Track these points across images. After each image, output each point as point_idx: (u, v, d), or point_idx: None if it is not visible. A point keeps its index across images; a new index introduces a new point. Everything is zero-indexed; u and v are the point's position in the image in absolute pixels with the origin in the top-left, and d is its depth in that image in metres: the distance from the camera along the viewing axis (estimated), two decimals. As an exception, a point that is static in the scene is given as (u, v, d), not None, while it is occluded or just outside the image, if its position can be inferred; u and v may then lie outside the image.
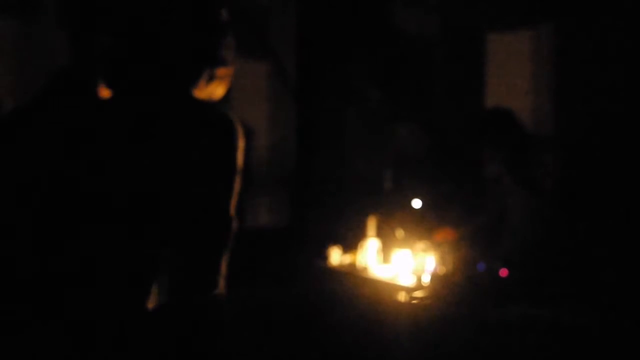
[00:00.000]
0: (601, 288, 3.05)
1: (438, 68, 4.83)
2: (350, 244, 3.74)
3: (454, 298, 3.05)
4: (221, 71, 1.53)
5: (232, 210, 1.39)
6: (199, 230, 1.35)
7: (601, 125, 3.82)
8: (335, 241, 3.79)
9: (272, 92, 4.93)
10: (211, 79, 1.50)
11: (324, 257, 3.73)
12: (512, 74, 4.41)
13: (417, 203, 3.82)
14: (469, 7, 4.60)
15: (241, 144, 1.39)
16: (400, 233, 3.64)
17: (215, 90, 1.55)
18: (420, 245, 3.41)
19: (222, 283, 1.38)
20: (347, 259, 3.71)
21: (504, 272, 3.18)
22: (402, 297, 3.16)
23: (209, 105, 1.44)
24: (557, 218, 3.48)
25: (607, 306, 2.89)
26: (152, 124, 1.37)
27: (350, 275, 3.55)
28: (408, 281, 3.24)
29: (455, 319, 2.95)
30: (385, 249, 3.60)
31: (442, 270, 3.27)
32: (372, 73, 4.77)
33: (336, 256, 3.71)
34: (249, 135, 4.71)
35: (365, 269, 3.57)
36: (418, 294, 3.13)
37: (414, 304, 3.11)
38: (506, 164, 3.46)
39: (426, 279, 3.20)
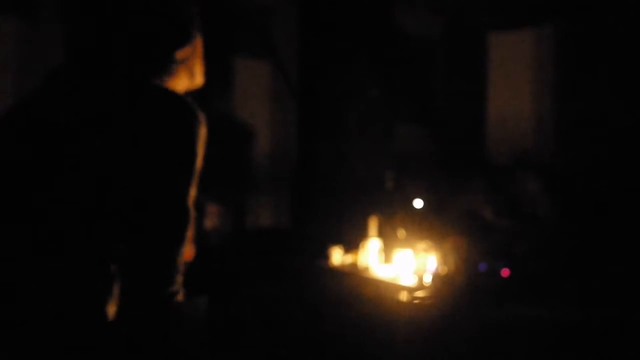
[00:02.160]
0: (602, 288, 3.05)
1: (440, 68, 4.83)
2: (351, 244, 3.74)
3: (456, 298, 3.05)
4: (184, 52, 1.48)
5: (190, 200, 1.32)
6: (152, 221, 1.28)
7: (602, 124, 3.81)
8: (337, 241, 3.78)
9: (274, 92, 4.93)
10: (176, 62, 1.46)
11: (325, 257, 3.73)
12: (514, 74, 4.41)
13: (418, 203, 3.81)
14: (470, 7, 4.59)
15: (201, 133, 1.34)
16: (401, 233, 3.63)
17: (189, 77, 1.51)
18: (422, 245, 3.40)
19: (179, 279, 1.30)
20: (348, 259, 3.71)
21: (505, 272, 3.17)
22: (403, 297, 3.15)
23: (171, 93, 1.38)
24: (559, 219, 3.48)
25: (608, 306, 2.88)
26: (108, 110, 1.32)
27: (352, 275, 3.55)
28: (409, 281, 3.23)
29: (456, 319, 2.95)
30: (387, 249, 3.60)
31: (443, 270, 3.26)
32: (373, 73, 4.76)
33: (337, 256, 3.71)
34: (250, 135, 4.72)
35: (366, 269, 3.56)
36: (419, 294, 3.12)
37: (415, 304, 3.10)
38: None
39: (428, 279, 3.19)
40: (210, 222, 3.81)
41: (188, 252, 1.52)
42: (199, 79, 1.54)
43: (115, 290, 1.27)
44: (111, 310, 1.27)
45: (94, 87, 1.37)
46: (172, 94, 1.37)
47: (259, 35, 4.71)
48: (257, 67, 4.84)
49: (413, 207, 3.83)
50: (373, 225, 3.71)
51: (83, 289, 1.28)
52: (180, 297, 1.32)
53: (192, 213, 1.33)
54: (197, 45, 1.52)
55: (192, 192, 1.33)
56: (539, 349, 2.78)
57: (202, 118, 1.36)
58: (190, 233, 1.48)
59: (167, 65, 1.44)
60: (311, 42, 4.79)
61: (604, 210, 3.59)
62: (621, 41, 3.72)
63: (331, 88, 4.71)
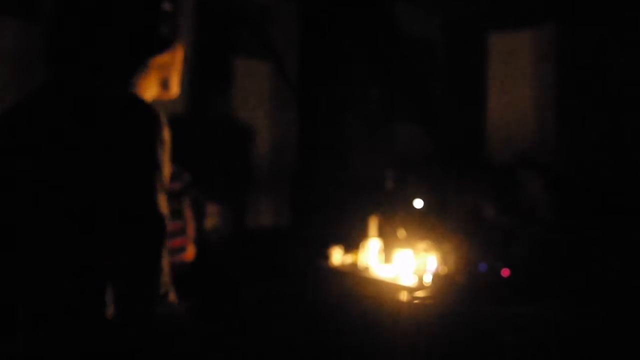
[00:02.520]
0: (602, 288, 3.05)
1: (440, 68, 4.83)
2: (351, 244, 3.74)
3: (456, 298, 3.05)
4: (162, 58, 1.45)
5: (160, 206, 1.28)
6: (124, 229, 1.26)
7: (603, 123, 3.81)
8: (337, 241, 3.78)
9: (274, 92, 4.93)
10: (148, 67, 1.42)
11: (326, 257, 3.73)
12: (514, 73, 4.41)
13: (418, 203, 3.82)
14: (470, 7, 4.59)
15: (165, 137, 1.30)
16: (401, 233, 3.63)
17: (162, 85, 1.47)
18: (422, 245, 3.40)
19: (164, 280, 1.28)
20: (348, 259, 3.71)
21: (505, 272, 3.17)
22: (403, 297, 3.15)
23: (133, 99, 1.34)
24: (559, 218, 3.48)
25: (609, 306, 2.89)
26: (69, 125, 1.30)
27: (352, 275, 3.55)
28: (409, 281, 3.24)
29: (456, 318, 2.95)
30: (387, 249, 3.60)
31: (443, 270, 3.26)
32: (373, 73, 4.76)
33: (337, 256, 3.71)
34: (250, 135, 4.72)
35: (366, 269, 3.56)
36: (419, 294, 3.12)
37: (415, 303, 3.11)
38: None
39: (428, 279, 3.19)
40: (210, 222, 3.81)
41: (189, 252, 1.51)
42: (174, 90, 1.50)
43: (109, 296, 1.27)
44: (108, 315, 1.26)
45: (58, 102, 1.35)
46: (133, 100, 1.33)
47: (258, 36, 4.71)
48: (257, 67, 4.84)
49: (413, 207, 3.83)
50: (373, 225, 3.71)
51: (75, 297, 1.27)
52: (172, 297, 1.31)
53: (165, 217, 1.30)
54: (177, 55, 1.49)
55: (162, 197, 1.29)
56: (539, 348, 2.78)
57: (163, 120, 1.31)
58: (190, 233, 1.48)
59: (140, 69, 1.42)
60: (311, 42, 4.79)
61: (604, 210, 3.59)
62: (621, 41, 3.72)
63: (331, 88, 4.72)
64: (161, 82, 1.48)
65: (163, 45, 1.43)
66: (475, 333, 2.88)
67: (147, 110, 1.30)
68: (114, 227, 1.25)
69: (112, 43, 1.38)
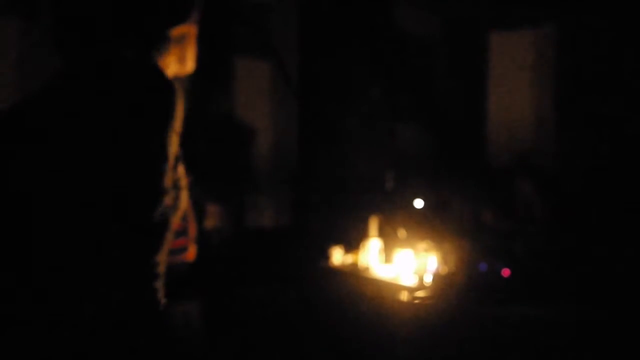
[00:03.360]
0: (603, 288, 3.05)
1: (440, 67, 4.82)
2: (352, 244, 3.74)
3: (456, 298, 3.05)
4: (177, 30, 1.43)
5: (167, 180, 1.28)
6: (127, 199, 1.25)
7: (603, 123, 3.81)
8: (337, 241, 3.78)
9: (274, 91, 4.93)
10: (165, 41, 1.41)
11: (326, 257, 3.72)
12: (514, 73, 4.40)
13: (419, 203, 3.81)
14: (471, 6, 4.59)
15: (179, 105, 1.29)
16: (402, 233, 3.63)
17: (180, 60, 1.46)
18: (422, 245, 3.40)
19: (162, 259, 1.29)
20: (349, 258, 3.71)
21: (505, 272, 3.17)
22: (404, 296, 3.15)
23: (151, 69, 1.33)
24: (555, 220, 3.48)
25: (609, 306, 2.89)
26: (92, 85, 1.30)
27: (353, 275, 3.55)
28: (410, 281, 3.23)
29: (457, 318, 2.95)
30: (387, 248, 3.60)
31: (444, 270, 3.26)
32: (374, 72, 4.76)
33: (338, 256, 3.71)
34: (250, 135, 4.71)
35: (367, 268, 3.56)
36: (420, 293, 3.12)
37: (416, 303, 3.10)
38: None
39: (428, 279, 3.19)
40: (210, 222, 3.81)
41: (190, 252, 1.51)
42: (189, 65, 1.50)
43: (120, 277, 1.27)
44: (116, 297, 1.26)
45: (77, 81, 1.34)
46: (150, 67, 1.33)
47: (259, 35, 4.70)
48: (257, 66, 4.84)
49: (413, 207, 3.83)
50: (373, 225, 3.70)
51: (87, 280, 1.27)
52: (159, 285, 1.30)
53: (170, 193, 1.30)
54: (192, 28, 1.49)
55: (170, 169, 1.28)
56: (538, 348, 2.78)
57: (179, 91, 1.30)
58: (192, 233, 1.47)
59: (160, 42, 1.42)
60: (312, 42, 4.79)
61: (602, 211, 3.59)
62: (622, 41, 3.72)
63: (332, 88, 4.71)
64: (178, 57, 1.48)
65: (181, 15, 1.43)
66: (475, 332, 2.88)
67: (164, 80, 1.30)
68: (118, 196, 1.25)
69: (132, 13, 1.38)
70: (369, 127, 4.75)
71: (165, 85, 1.29)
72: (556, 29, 4.19)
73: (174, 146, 1.29)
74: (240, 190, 4.48)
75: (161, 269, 1.30)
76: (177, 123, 1.29)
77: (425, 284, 3.17)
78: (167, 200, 1.30)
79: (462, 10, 4.65)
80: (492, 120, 4.60)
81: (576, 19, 3.99)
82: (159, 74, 1.31)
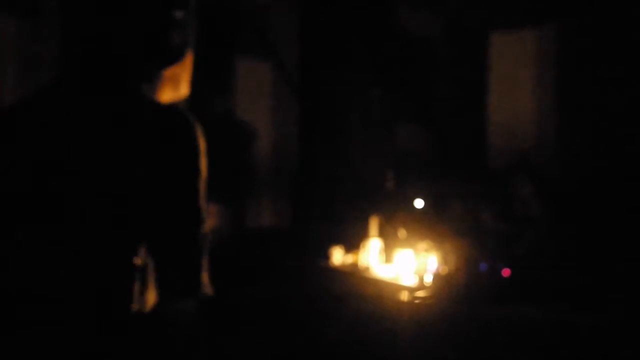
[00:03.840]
0: (603, 287, 3.05)
1: (441, 68, 4.82)
2: (352, 244, 3.74)
3: (456, 298, 3.05)
4: (173, 69, 1.45)
5: (204, 211, 1.35)
6: (174, 234, 1.31)
7: (604, 124, 3.81)
8: (338, 241, 3.78)
9: (274, 92, 4.93)
10: (162, 78, 1.43)
11: (326, 257, 3.72)
12: (515, 74, 4.40)
13: (419, 203, 3.81)
14: (472, 6, 4.59)
15: (202, 145, 1.33)
16: (402, 233, 3.63)
17: (174, 88, 1.50)
18: (423, 245, 3.40)
19: (206, 281, 1.33)
20: (349, 258, 3.71)
21: (506, 272, 3.17)
22: (404, 297, 3.15)
23: (168, 108, 1.37)
24: (553, 222, 3.48)
25: (609, 306, 2.88)
26: (112, 127, 1.31)
27: (353, 275, 3.55)
28: (410, 281, 3.23)
29: (457, 318, 2.95)
30: (388, 249, 3.60)
31: (444, 270, 3.26)
32: (374, 73, 4.76)
33: (338, 256, 3.71)
34: (250, 136, 4.72)
35: (367, 268, 3.56)
36: (420, 293, 3.12)
37: (416, 303, 3.10)
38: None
39: (428, 279, 3.19)
40: (210, 222, 3.81)
41: None
42: (183, 90, 1.52)
43: (143, 291, 1.29)
44: (138, 308, 1.28)
45: (95, 101, 1.35)
46: (173, 109, 1.36)
47: (259, 35, 4.70)
48: (258, 67, 4.84)
49: (414, 207, 3.83)
50: (374, 225, 3.70)
51: (108, 291, 1.29)
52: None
53: (208, 224, 1.36)
54: (187, 62, 1.50)
55: (203, 203, 1.35)
56: (538, 348, 2.78)
57: (200, 131, 1.34)
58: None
59: (155, 80, 1.43)
60: (312, 42, 4.79)
61: (601, 211, 3.59)
62: (623, 41, 3.72)
63: (332, 88, 4.71)
64: (173, 87, 1.49)
65: (175, 55, 1.44)
66: (475, 332, 2.88)
67: (188, 121, 1.32)
68: (159, 229, 1.29)
69: (125, 52, 1.39)
70: (369, 127, 4.75)
71: (191, 127, 1.33)
72: (556, 29, 4.19)
73: (204, 177, 1.35)
74: (240, 191, 4.48)
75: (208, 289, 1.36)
76: (204, 160, 1.34)
77: (426, 284, 3.17)
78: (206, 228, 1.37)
79: (463, 10, 4.65)
80: (493, 120, 4.59)
81: (576, 19, 3.99)
82: (183, 116, 1.34)
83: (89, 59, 1.38)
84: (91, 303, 1.28)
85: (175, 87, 1.49)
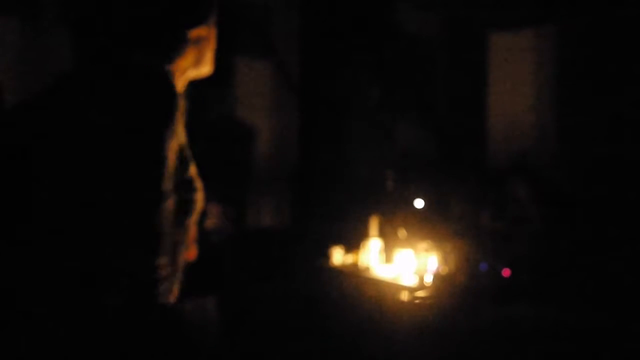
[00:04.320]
0: (604, 288, 3.05)
1: (440, 67, 4.82)
2: (352, 244, 3.74)
3: (456, 298, 3.05)
4: (194, 32, 1.39)
5: (166, 184, 1.25)
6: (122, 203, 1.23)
7: (604, 124, 3.81)
8: (338, 241, 3.78)
9: (275, 92, 4.93)
10: (184, 43, 1.37)
11: (326, 256, 3.72)
12: (515, 74, 4.40)
13: (419, 203, 3.81)
14: (471, 6, 4.59)
15: (178, 111, 1.26)
16: (402, 233, 3.63)
17: (196, 62, 1.46)
18: (423, 245, 3.40)
19: (162, 261, 1.26)
20: (349, 258, 3.71)
21: (506, 272, 3.17)
22: (404, 296, 3.15)
23: (152, 71, 1.30)
24: (562, 220, 3.48)
25: (609, 306, 2.89)
26: (97, 90, 1.27)
27: (353, 275, 3.55)
28: (410, 281, 3.23)
29: (457, 318, 2.95)
30: (388, 248, 3.60)
31: (444, 270, 3.26)
32: (374, 73, 4.76)
33: (338, 256, 3.71)
34: (250, 135, 4.72)
35: (367, 268, 3.56)
36: (420, 293, 3.12)
37: (416, 303, 3.10)
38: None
39: (428, 279, 3.19)
40: (210, 222, 3.81)
41: (191, 252, 1.51)
42: (207, 68, 1.47)
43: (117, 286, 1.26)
44: (113, 304, 1.26)
45: (88, 81, 1.33)
46: (152, 70, 1.30)
47: (259, 35, 4.70)
48: (258, 67, 4.84)
49: (414, 207, 3.83)
50: (374, 225, 3.70)
51: (82, 287, 1.27)
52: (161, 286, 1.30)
53: (170, 196, 1.27)
54: (212, 31, 1.46)
55: (168, 173, 1.26)
56: (539, 348, 2.78)
57: (178, 93, 1.27)
58: (193, 233, 1.47)
59: (176, 44, 1.39)
60: (312, 43, 4.79)
61: (601, 212, 3.59)
62: (623, 42, 3.72)
63: (332, 88, 4.71)
64: (195, 59, 1.45)
65: (201, 17, 1.41)
66: (475, 332, 2.88)
67: (164, 86, 1.27)
68: (116, 212, 1.23)
69: (150, 14, 1.36)
70: (369, 127, 4.74)
71: (164, 89, 1.26)
72: (556, 29, 4.19)
73: (172, 151, 1.28)
74: (240, 190, 4.48)
75: (164, 271, 1.30)
76: (178, 128, 1.28)
77: (426, 284, 3.17)
78: (169, 204, 1.29)
79: (463, 10, 4.65)
80: (492, 120, 4.59)
81: (576, 19, 3.99)
82: (160, 77, 1.29)
83: (102, 39, 1.35)
84: (91, 301, 1.27)
85: (198, 63, 1.45)
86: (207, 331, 1.34)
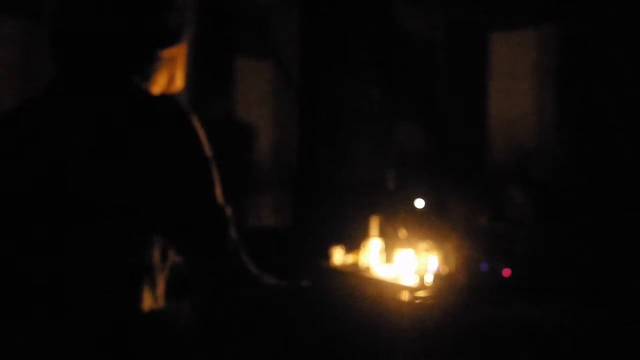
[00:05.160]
0: (604, 288, 3.05)
1: (440, 67, 4.82)
2: (352, 244, 3.73)
3: (457, 298, 3.05)
4: (169, 51, 1.47)
5: (220, 198, 1.38)
6: (194, 227, 1.34)
7: (604, 124, 3.81)
8: (338, 241, 3.78)
9: (275, 91, 4.92)
10: (159, 61, 1.44)
11: (327, 256, 3.72)
12: (516, 73, 4.40)
13: (420, 203, 3.81)
14: (472, 6, 4.59)
15: (200, 132, 1.36)
16: (402, 233, 3.63)
17: (168, 79, 1.50)
18: (423, 245, 3.40)
19: (252, 270, 1.41)
20: (349, 258, 3.70)
21: (506, 272, 3.17)
22: (404, 297, 3.15)
23: (162, 99, 1.39)
24: (561, 220, 3.48)
25: (609, 306, 2.88)
26: (111, 124, 1.32)
27: (353, 275, 3.54)
28: (411, 281, 3.23)
29: (458, 318, 2.95)
30: (388, 248, 3.60)
31: (444, 270, 3.26)
32: (374, 73, 4.75)
33: (339, 256, 3.70)
34: (251, 135, 4.71)
35: (367, 268, 3.56)
36: (421, 293, 3.12)
37: (416, 303, 3.10)
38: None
39: (429, 279, 3.19)
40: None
41: None
42: (178, 83, 1.53)
43: (151, 287, 1.30)
44: (146, 304, 1.28)
45: (90, 101, 1.35)
46: (167, 100, 1.37)
47: (259, 35, 4.70)
48: (258, 66, 4.83)
49: (414, 207, 3.83)
50: (374, 225, 3.70)
51: (116, 290, 1.29)
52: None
53: (229, 209, 1.44)
54: (183, 49, 1.51)
55: (218, 190, 1.37)
56: (539, 348, 2.78)
57: (196, 119, 1.37)
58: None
59: (150, 64, 1.44)
60: (312, 42, 4.78)
61: (601, 212, 3.59)
62: (623, 42, 3.72)
63: (332, 88, 4.71)
64: (167, 76, 1.50)
65: (173, 38, 1.46)
66: (475, 332, 2.88)
67: (183, 111, 1.35)
68: (177, 222, 1.33)
69: (125, 35, 1.40)
70: (369, 127, 4.74)
71: (187, 113, 1.36)
72: (557, 29, 4.19)
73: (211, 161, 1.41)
74: (240, 190, 4.48)
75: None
76: (204, 146, 1.39)
77: (426, 284, 3.17)
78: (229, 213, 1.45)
79: (463, 10, 4.65)
80: (492, 120, 4.59)
81: (577, 19, 3.99)
82: (178, 106, 1.38)
83: (82, 56, 1.38)
84: (94, 301, 1.28)
85: (171, 79, 1.50)
86: (189, 336, 1.37)
